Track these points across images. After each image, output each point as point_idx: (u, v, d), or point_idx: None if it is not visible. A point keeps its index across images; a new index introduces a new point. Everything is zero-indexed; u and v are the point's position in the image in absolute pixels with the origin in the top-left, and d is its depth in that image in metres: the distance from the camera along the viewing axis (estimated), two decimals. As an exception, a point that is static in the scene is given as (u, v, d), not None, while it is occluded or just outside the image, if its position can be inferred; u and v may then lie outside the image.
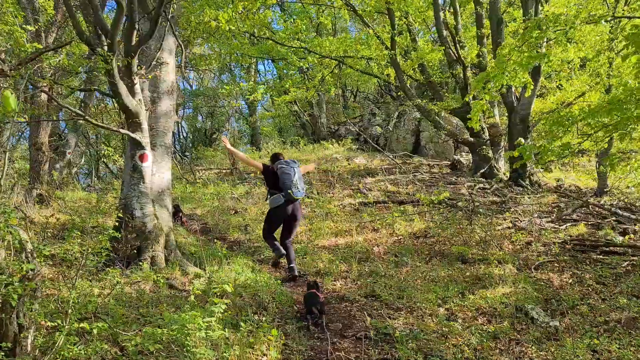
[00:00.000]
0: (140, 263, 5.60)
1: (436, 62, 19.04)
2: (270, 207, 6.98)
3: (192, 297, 3.61)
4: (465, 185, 13.14)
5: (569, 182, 14.80)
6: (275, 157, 7.36)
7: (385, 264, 7.07)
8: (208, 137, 30.36)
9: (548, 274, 6.86)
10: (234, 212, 11.16)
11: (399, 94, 25.62)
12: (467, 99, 12.34)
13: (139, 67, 5.93)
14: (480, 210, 9.76)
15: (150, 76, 6.13)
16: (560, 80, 14.89)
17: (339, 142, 20.51)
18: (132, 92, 5.76)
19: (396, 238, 8.60)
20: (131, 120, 5.75)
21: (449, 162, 17.38)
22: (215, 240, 7.57)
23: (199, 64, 25.36)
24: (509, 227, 9.08)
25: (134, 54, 5.61)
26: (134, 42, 5.54)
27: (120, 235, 5.48)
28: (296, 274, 6.68)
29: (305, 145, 20.58)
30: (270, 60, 23.99)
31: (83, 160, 26.65)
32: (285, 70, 22.08)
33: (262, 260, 7.72)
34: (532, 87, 12.24)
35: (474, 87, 8.62)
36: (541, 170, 15.42)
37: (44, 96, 10.73)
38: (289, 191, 6.71)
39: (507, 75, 8.61)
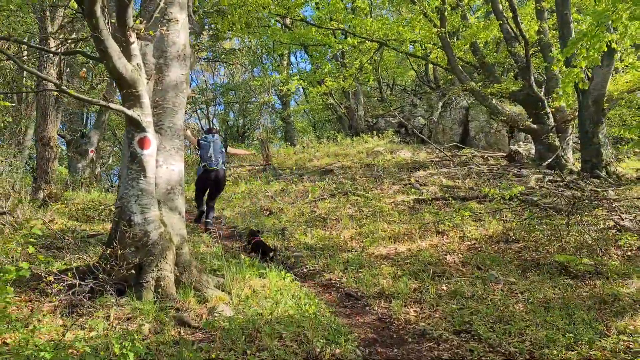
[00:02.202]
0: (141, 288, 4.02)
1: (484, 43, 17.18)
2: (197, 175, 8.41)
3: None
4: (533, 178, 11.40)
5: (647, 173, 12.82)
6: (206, 132, 8.63)
7: (468, 279, 5.34)
8: (240, 134, 29.48)
9: (692, 292, 5.07)
10: (268, 213, 9.55)
11: (439, 84, 23.89)
12: (553, 68, 10.52)
13: (138, 21, 4.37)
14: (569, 209, 7.93)
15: (152, 32, 4.56)
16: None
17: (379, 135, 18.95)
18: (128, 54, 4.19)
19: (470, 243, 6.84)
20: (126, 92, 4.16)
21: (505, 154, 15.64)
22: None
23: (230, 58, 24.22)
24: (609, 228, 7.26)
25: (129, 1, 4.06)
26: (127, -16, 3.99)
27: (108, 251, 3.93)
28: (210, 228, 8.05)
29: (342, 139, 18.97)
30: (304, 51, 22.56)
31: (111, 160, 25.69)
32: (319, 60, 20.53)
33: (305, 275, 6.07)
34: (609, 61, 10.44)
35: (568, 50, 6.80)
36: (616, 159, 13.56)
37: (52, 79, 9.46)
38: (205, 163, 8.06)
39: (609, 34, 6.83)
